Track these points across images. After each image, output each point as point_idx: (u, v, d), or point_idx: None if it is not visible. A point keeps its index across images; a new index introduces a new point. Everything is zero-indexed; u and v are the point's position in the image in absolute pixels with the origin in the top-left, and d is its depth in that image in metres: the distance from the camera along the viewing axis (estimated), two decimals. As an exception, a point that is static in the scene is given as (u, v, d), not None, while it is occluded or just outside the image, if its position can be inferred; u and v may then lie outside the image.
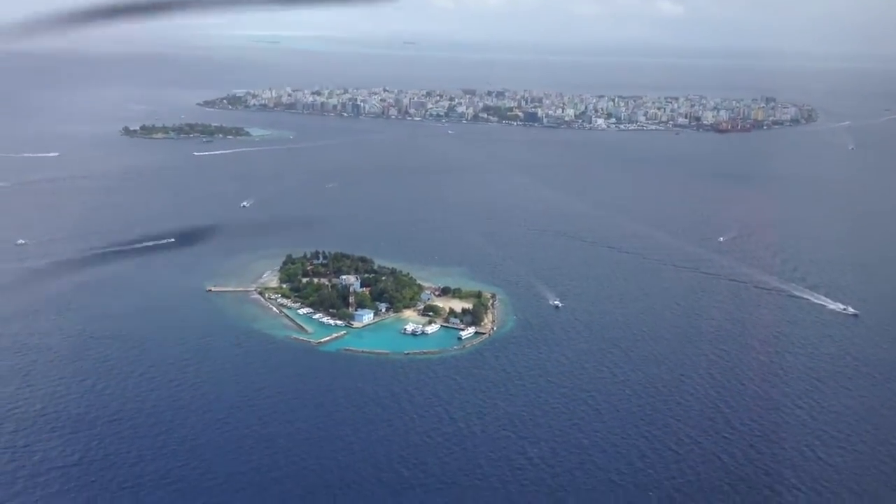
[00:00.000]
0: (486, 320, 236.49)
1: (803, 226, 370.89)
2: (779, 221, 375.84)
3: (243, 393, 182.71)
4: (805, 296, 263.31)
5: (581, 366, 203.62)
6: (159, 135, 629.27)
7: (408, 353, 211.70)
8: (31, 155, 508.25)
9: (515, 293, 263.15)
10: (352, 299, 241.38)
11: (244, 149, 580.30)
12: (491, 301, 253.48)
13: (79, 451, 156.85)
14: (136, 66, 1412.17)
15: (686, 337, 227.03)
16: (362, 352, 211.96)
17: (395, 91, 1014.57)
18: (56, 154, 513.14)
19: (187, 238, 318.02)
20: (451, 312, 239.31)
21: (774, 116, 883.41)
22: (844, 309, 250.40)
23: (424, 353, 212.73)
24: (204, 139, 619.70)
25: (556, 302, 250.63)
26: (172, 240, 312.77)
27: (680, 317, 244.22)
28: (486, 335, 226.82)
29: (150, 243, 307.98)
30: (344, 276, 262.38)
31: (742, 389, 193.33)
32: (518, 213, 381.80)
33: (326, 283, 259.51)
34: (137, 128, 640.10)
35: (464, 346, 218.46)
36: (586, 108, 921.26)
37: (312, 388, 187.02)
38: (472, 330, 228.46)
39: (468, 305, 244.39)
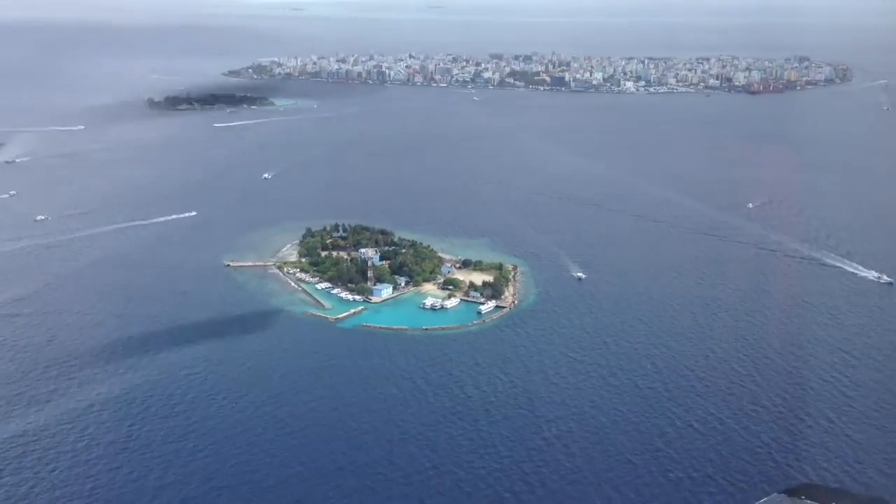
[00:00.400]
0: (506, 293, 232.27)
1: (836, 191, 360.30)
2: (810, 186, 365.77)
3: (257, 371, 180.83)
4: (837, 264, 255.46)
5: (602, 341, 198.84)
6: (183, 106, 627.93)
7: (426, 329, 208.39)
8: (57, 128, 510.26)
9: (538, 265, 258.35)
10: (370, 273, 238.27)
11: (268, 119, 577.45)
12: (512, 273, 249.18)
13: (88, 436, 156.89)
14: (163, 36, 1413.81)
15: (712, 309, 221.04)
16: (380, 328, 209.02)
17: (421, 57, 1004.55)
18: (82, 127, 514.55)
19: (208, 211, 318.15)
20: (471, 286, 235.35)
21: (808, 76, 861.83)
22: (878, 277, 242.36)
23: (443, 328, 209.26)
24: (228, 110, 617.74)
25: (578, 274, 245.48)
26: (194, 213, 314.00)
27: (706, 288, 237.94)
28: (507, 309, 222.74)
29: (172, 217, 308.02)
30: (363, 250, 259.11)
31: (768, 364, 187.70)
32: (543, 181, 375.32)
33: (345, 256, 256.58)
34: (162, 99, 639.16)
35: (483, 321, 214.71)
36: (615, 70, 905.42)
37: (328, 366, 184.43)
38: (492, 304, 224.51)
39: (489, 278, 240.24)
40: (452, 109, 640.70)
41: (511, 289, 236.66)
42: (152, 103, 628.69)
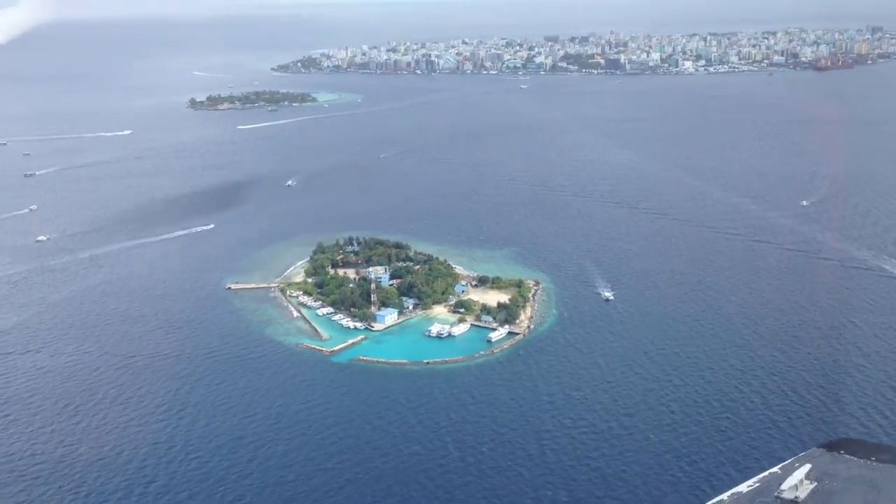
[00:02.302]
0: (522, 317, 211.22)
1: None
2: (876, 179, 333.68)
3: (236, 416, 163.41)
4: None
5: (625, 379, 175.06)
6: (225, 105, 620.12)
7: (427, 363, 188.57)
8: (106, 134, 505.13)
9: (563, 280, 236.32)
10: (374, 297, 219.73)
11: (305, 117, 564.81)
12: (533, 291, 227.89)
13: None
14: (219, 30, 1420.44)
15: (755, 340, 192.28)
16: (377, 361, 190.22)
17: (474, 43, 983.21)
18: (129, 132, 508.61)
19: (226, 223, 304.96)
20: (484, 309, 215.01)
21: (881, 49, 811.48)
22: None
23: (446, 361, 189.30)
24: (269, 108, 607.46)
25: (606, 294, 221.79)
26: (212, 226, 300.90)
27: (750, 311, 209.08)
28: (521, 336, 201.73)
29: (188, 231, 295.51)
30: (372, 269, 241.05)
31: (823, 407, 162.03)
32: (581, 181, 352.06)
33: (354, 275, 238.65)
34: (204, 98, 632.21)
35: (492, 352, 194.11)
36: (674, 49, 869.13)
37: (311, 411, 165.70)
38: (504, 330, 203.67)
39: (506, 297, 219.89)
40: (498, 99, 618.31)
41: (528, 311, 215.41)
42: (194, 103, 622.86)
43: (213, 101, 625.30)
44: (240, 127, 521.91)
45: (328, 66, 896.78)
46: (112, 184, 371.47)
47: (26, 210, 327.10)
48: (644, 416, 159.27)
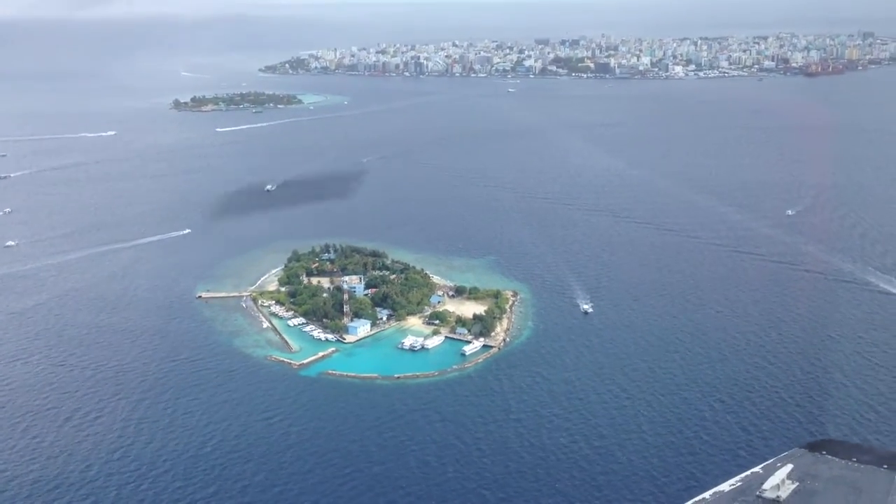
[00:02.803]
0: (498, 329, 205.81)
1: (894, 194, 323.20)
2: (863, 188, 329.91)
3: (193, 434, 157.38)
4: (893, 290, 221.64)
5: (600, 398, 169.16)
6: (209, 107, 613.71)
7: (398, 378, 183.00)
8: (89, 135, 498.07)
9: (542, 291, 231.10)
10: (347, 308, 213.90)
11: (289, 119, 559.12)
12: (510, 302, 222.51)
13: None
14: (211, 30, 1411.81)
15: (734, 355, 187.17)
16: (346, 376, 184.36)
17: (464, 45, 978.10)
18: (113, 133, 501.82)
19: (202, 229, 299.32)
20: (458, 321, 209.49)
21: (871, 55, 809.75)
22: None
23: (416, 376, 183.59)
24: (253, 110, 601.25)
25: (585, 306, 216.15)
26: (188, 231, 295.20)
27: (730, 325, 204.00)
28: (495, 349, 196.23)
29: (164, 236, 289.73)
30: (347, 278, 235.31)
31: (805, 409, 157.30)
32: (565, 188, 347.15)
33: (328, 285, 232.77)
34: (188, 100, 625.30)
35: (465, 366, 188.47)
36: (664, 54, 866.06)
37: (273, 429, 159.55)
38: (478, 343, 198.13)
39: (483, 309, 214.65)
40: (485, 103, 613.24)
41: (504, 323, 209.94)
42: (178, 104, 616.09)
43: (198, 103, 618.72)
44: (219, 129, 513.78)
45: (316, 68, 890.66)
46: (88, 187, 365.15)
47: (1, 213, 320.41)
48: (616, 436, 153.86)
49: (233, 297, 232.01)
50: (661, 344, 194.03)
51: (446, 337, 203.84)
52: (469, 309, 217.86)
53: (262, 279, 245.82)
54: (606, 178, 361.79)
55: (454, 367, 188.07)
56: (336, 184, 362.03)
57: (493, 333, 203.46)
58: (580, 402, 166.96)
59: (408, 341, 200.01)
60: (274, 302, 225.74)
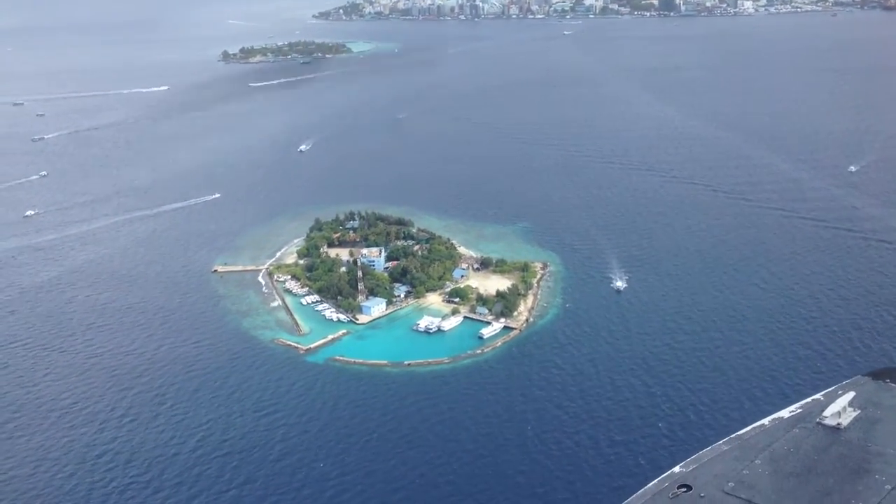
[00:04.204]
0: (521, 308, 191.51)
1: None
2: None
3: (178, 428, 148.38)
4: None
5: (625, 390, 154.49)
6: (257, 58, 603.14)
7: (408, 364, 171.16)
8: (143, 90, 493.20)
9: (574, 262, 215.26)
10: (361, 286, 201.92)
11: (336, 70, 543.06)
12: (539, 276, 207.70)
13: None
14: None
15: (787, 344, 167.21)
16: (354, 362, 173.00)
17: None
18: (166, 88, 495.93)
19: (233, 192, 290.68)
20: (479, 299, 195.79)
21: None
22: None
23: (429, 363, 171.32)
24: (301, 60, 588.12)
25: (618, 283, 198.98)
26: (218, 195, 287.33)
27: (782, 307, 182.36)
28: (516, 331, 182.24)
29: (191, 201, 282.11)
30: (366, 250, 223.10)
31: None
32: (613, 143, 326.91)
33: (348, 257, 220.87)
34: (237, 51, 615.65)
35: (482, 350, 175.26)
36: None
37: (266, 423, 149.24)
38: (499, 325, 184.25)
39: (508, 283, 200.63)
40: (537, 49, 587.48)
41: (529, 301, 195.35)
42: (227, 56, 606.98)
43: (246, 54, 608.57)
44: (251, 84, 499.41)
45: (370, 13, 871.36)
46: (123, 149, 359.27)
47: (36, 176, 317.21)
48: (638, 434, 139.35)
49: (249, 270, 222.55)
50: (697, 325, 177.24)
51: (465, 317, 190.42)
52: (494, 284, 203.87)
53: (282, 250, 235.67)
54: (658, 131, 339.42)
55: (468, 352, 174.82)
56: (372, 143, 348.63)
57: (515, 313, 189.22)
58: (602, 396, 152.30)
59: (423, 322, 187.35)
60: (290, 277, 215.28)
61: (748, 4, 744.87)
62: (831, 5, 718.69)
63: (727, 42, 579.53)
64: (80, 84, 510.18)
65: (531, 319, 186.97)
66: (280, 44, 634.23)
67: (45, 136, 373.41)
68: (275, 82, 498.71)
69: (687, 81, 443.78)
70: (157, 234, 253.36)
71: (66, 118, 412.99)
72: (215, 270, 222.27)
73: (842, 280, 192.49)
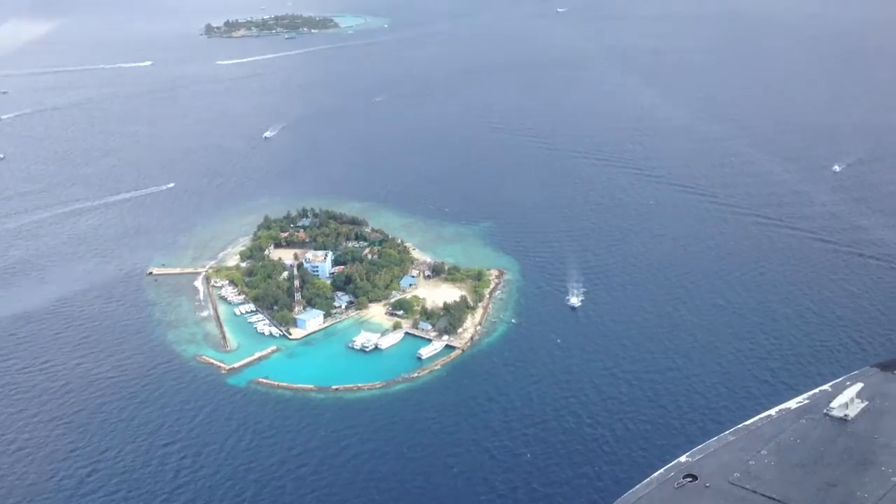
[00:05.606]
0: (467, 324, 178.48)
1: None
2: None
3: (74, 458, 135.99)
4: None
5: (567, 421, 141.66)
6: (241, 31, 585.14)
7: (336, 389, 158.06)
8: (125, 65, 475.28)
9: (532, 270, 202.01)
10: (299, 296, 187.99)
11: (321, 46, 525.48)
12: (492, 286, 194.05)
13: None
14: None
15: (750, 372, 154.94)
16: (278, 386, 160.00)
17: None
18: (149, 63, 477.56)
19: (187, 183, 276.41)
20: (424, 313, 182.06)
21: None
22: None
23: (359, 388, 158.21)
24: (286, 35, 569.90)
25: (574, 299, 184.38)
26: (172, 184, 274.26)
27: (745, 330, 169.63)
28: (458, 350, 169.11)
29: (143, 191, 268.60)
30: (311, 254, 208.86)
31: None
32: (590, 134, 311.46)
33: (292, 262, 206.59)
34: (221, 24, 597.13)
35: (418, 374, 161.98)
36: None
37: (165, 458, 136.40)
38: (440, 343, 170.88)
39: (459, 294, 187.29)
40: (528, 27, 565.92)
41: (477, 315, 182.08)
42: (210, 29, 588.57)
43: (230, 27, 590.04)
44: (219, 62, 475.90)
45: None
46: (84, 130, 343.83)
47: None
48: (572, 473, 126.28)
49: (187, 273, 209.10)
50: (654, 346, 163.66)
51: (406, 333, 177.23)
52: (443, 294, 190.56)
53: (226, 251, 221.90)
54: (641, 122, 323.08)
55: (403, 375, 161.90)
56: (341, 129, 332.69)
57: (460, 329, 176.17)
58: (540, 429, 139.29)
59: (360, 339, 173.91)
60: (227, 282, 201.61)
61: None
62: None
63: (726, 22, 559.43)
64: (57, 58, 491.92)
65: (476, 337, 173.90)
66: (266, 17, 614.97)
67: (3, 117, 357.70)
68: (247, 60, 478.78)
69: (678, 65, 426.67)
70: (100, 228, 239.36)
71: (32, 96, 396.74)
72: (150, 273, 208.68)
73: (809, 300, 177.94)
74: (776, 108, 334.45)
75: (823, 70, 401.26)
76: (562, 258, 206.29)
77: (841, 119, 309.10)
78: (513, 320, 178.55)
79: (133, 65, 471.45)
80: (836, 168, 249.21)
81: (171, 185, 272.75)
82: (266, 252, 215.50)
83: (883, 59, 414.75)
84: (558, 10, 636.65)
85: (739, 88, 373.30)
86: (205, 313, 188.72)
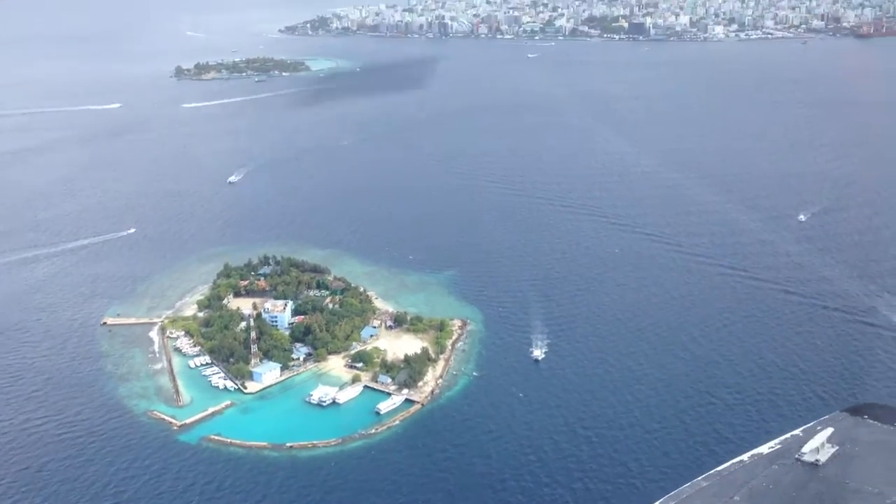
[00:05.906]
0: (429, 377, 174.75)
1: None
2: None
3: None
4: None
5: (526, 481, 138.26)
6: (211, 74, 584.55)
7: (291, 447, 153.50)
8: (94, 107, 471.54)
9: (496, 320, 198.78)
10: (255, 348, 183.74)
11: (291, 90, 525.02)
12: (454, 337, 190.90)
13: None
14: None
15: (711, 427, 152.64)
16: (230, 443, 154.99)
17: (498, 1, 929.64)
18: (118, 105, 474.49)
19: (148, 229, 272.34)
20: (384, 365, 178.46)
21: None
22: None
23: (314, 445, 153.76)
24: (256, 78, 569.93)
25: (537, 351, 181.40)
26: (132, 230, 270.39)
27: (707, 384, 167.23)
28: (418, 405, 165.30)
29: (102, 237, 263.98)
30: (270, 304, 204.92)
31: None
32: (557, 180, 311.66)
33: (250, 312, 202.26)
34: (192, 66, 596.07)
35: (376, 430, 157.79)
36: (706, 11, 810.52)
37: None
38: (399, 398, 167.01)
39: (421, 345, 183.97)
40: (499, 73, 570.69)
41: (439, 367, 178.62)
42: (180, 71, 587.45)
43: (200, 70, 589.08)
44: (185, 105, 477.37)
45: (337, 28, 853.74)
46: (41, 176, 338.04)
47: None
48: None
49: (142, 323, 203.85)
50: (612, 405, 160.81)
51: (365, 386, 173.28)
52: (405, 345, 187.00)
53: (183, 300, 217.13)
54: (608, 168, 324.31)
55: (361, 431, 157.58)
56: (308, 173, 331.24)
57: (421, 382, 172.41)
58: (489, 494, 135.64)
59: (317, 393, 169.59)
60: (183, 333, 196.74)
61: (718, 30, 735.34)
62: (802, 32, 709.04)
63: (692, 70, 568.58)
64: (23, 100, 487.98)
65: (436, 391, 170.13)
66: (237, 60, 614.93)
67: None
68: (214, 103, 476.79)
69: (645, 112, 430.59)
70: (56, 276, 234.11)
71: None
72: (105, 322, 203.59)
73: (773, 353, 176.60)
74: (739, 155, 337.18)
75: (779, 117, 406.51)
76: (525, 308, 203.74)
77: (806, 168, 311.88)
78: (474, 373, 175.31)
79: (101, 107, 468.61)
80: (802, 217, 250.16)
81: (132, 230, 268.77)
82: (225, 301, 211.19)
83: (845, 108, 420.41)
84: (529, 55, 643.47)
85: (702, 137, 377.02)
86: (158, 366, 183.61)
